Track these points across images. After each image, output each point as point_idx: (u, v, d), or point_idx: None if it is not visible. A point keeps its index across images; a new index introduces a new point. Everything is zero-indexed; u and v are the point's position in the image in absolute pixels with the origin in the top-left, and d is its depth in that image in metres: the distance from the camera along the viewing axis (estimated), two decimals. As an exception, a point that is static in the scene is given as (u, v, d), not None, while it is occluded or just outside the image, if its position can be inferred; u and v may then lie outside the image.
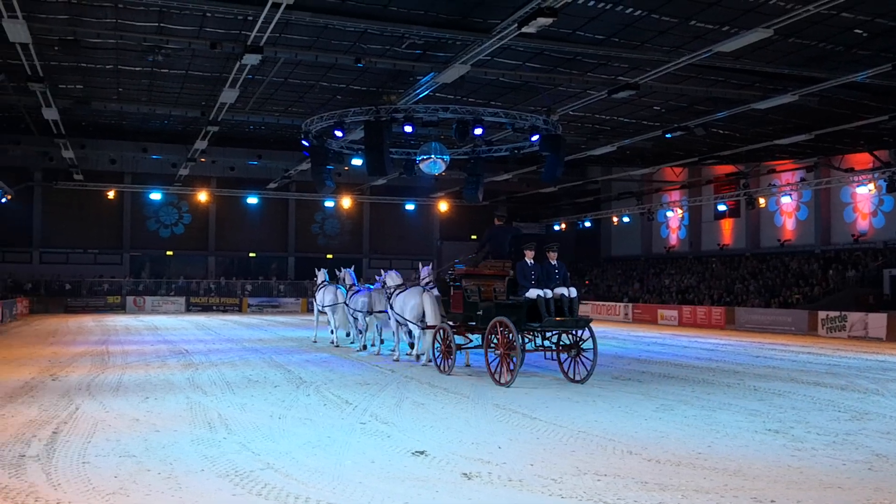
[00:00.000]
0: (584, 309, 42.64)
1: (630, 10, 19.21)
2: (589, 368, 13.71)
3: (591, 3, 18.76)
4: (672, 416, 10.47)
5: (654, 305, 38.55)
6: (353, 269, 21.91)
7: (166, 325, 31.34)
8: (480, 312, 14.61)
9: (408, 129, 23.10)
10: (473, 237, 53.38)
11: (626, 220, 46.62)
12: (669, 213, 46.33)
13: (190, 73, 26.07)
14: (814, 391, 13.20)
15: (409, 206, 48.93)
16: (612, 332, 30.09)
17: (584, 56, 22.88)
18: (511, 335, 13.27)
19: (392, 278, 18.07)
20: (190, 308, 44.64)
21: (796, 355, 20.41)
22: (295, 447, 8.32)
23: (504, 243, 15.54)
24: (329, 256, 46.17)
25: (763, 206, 39.16)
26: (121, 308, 43.40)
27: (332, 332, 21.91)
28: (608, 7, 19.02)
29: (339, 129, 24.12)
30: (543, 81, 25.08)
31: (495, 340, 13.70)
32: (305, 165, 33.57)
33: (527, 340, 14.25)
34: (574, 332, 14.05)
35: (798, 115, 27.72)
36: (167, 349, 20.35)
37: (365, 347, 19.91)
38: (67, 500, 6.39)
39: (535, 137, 24.61)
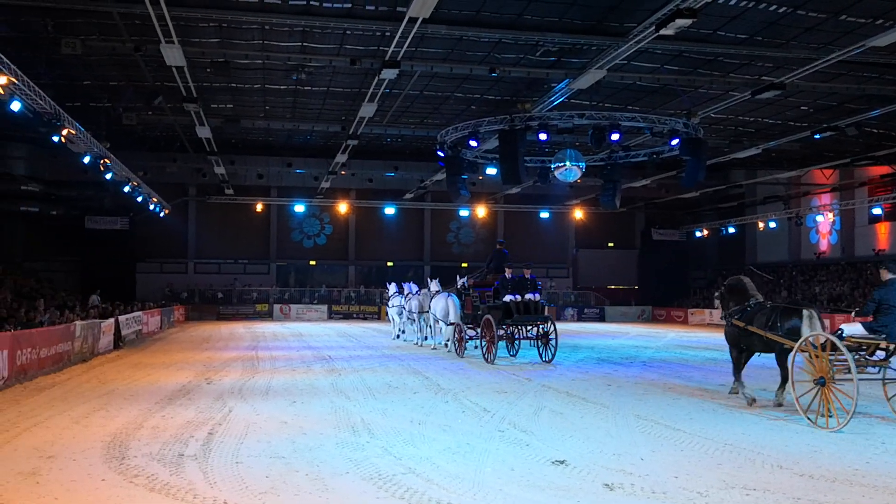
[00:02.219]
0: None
1: (774, 7, 18.49)
2: (553, 352, 18.65)
3: (733, 2, 18.20)
4: (825, 430, 9.93)
5: (804, 314, 36.62)
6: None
7: (310, 332, 32.43)
8: (480, 312, 19.67)
9: (542, 136, 23.06)
10: (611, 245, 52.58)
11: (772, 225, 44.54)
12: (819, 218, 43.92)
13: (331, 89, 27.04)
14: None
15: (544, 214, 48.62)
16: (758, 342, 28.73)
17: (725, 56, 22.21)
18: (493, 329, 18.28)
19: (434, 285, 23.20)
20: (332, 316, 46.02)
21: (966, 368, 18.88)
22: (435, 453, 8.43)
23: (502, 262, 20.43)
24: (464, 265, 46.47)
25: (924, 208, 36.55)
26: (268, 315, 45.32)
27: (396, 329, 27.46)
28: (750, 5, 18.38)
29: (473, 139, 24.33)
30: (683, 84, 24.47)
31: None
32: (441, 175, 34.08)
33: (506, 331, 19.16)
34: (541, 326, 19.02)
35: (963, 110, 25.78)
36: (312, 355, 21.06)
37: (418, 343, 24.60)
38: (223, 497, 6.72)
39: (674, 141, 24.05)
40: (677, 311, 46.42)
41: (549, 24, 20.15)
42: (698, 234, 49.52)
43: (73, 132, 22.83)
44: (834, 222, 43.66)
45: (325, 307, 46.50)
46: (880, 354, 10.66)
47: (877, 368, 10.68)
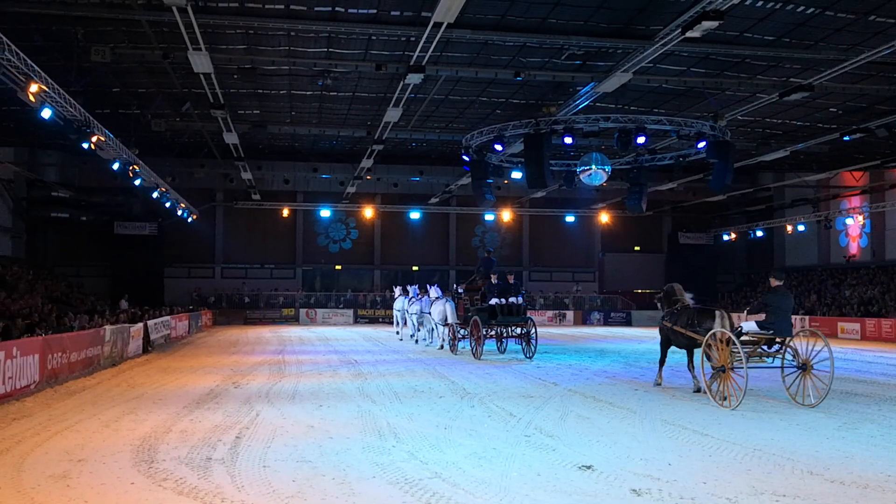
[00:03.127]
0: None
1: (802, 8, 18.32)
2: (534, 349, 20.72)
3: (760, 4, 18.05)
4: (856, 436, 9.80)
5: (834, 318, 36.18)
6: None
7: (336, 337, 32.53)
8: (470, 314, 21.60)
9: (568, 140, 22.96)
10: (637, 248, 52.26)
11: (801, 228, 44.05)
12: (849, 221, 43.32)
13: (356, 94, 27.15)
14: None
15: (570, 218, 48.45)
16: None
17: (752, 58, 22.03)
18: (479, 328, 20.53)
19: (434, 291, 25.23)
20: (357, 320, 46.10)
21: None
22: (461, 457, 8.42)
23: (490, 268, 22.51)
24: (490, 269, 46.39)
25: (957, 210, 35.95)
26: (294, 320, 45.52)
27: (396, 331, 30.65)
28: (778, 6, 18.21)
29: (498, 143, 24.31)
30: (709, 86, 24.30)
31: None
32: (466, 180, 34.08)
33: (495, 331, 21.39)
34: (524, 327, 21.02)
35: None
36: (338, 359, 21.14)
37: (417, 341, 27.08)
38: (250, 501, 6.75)
39: (701, 144, 23.87)
40: (705, 316, 45.91)
41: (574, 28, 20.09)
42: (726, 237, 49.08)
43: (103, 139, 23.13)
44: (864, 225, 43.09)
45: (350, 311, 46.60)
46: (777, 347, 12.79)
47: (772, 359, 12.82)
